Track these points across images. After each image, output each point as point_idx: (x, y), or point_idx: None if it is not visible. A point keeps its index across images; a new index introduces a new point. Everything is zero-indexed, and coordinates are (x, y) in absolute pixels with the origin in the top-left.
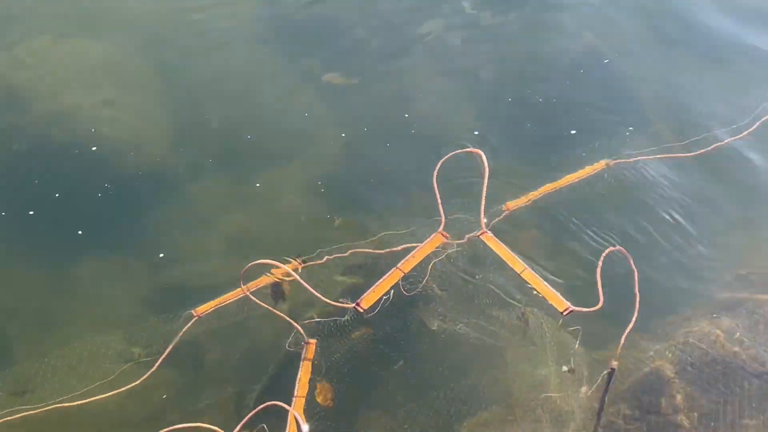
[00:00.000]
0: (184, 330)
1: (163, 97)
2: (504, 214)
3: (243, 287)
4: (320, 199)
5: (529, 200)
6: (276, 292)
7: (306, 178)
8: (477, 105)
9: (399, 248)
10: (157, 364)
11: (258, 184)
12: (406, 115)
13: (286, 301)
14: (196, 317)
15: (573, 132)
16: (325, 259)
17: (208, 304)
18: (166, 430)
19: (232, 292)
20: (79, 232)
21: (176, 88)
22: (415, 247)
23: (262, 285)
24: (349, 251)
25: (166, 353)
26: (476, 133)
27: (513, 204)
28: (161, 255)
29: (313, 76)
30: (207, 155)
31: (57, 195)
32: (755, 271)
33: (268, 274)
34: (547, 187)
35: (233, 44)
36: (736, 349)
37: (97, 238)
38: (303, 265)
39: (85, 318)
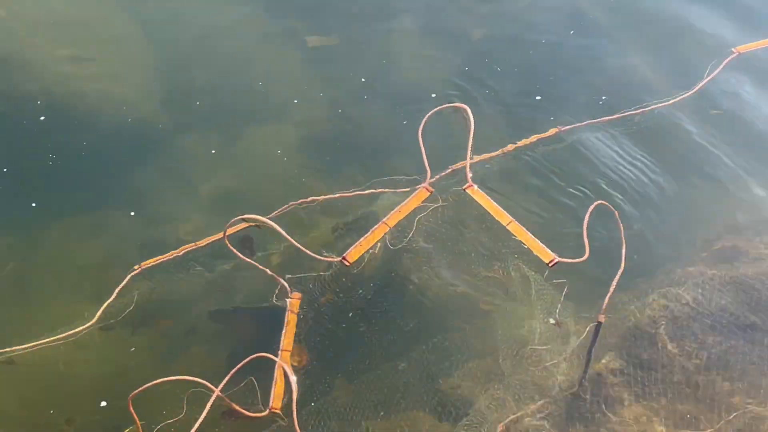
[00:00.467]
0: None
1: (145, 56)
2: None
3: (227, 242)
4: (305, 158)
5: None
6: (246, 242)
7: (290, 137)
8: (458, 65)
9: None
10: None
11: (241, 143)
12: (390, 76)
13: (254, 254)
14: (138, 270)
15: (538, 98)
16: (310, 199)
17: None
18: (154, 382)
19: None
20: (57, 190)
21: (158, 47)
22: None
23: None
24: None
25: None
26: (456, 91)
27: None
28: (133, 213)
29: (296, 36)
30: (189, 114)
31: (32, 153)
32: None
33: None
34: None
35: (216, 3)
36: (722, 301)
37: (75, 196)
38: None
39: (62, 275)
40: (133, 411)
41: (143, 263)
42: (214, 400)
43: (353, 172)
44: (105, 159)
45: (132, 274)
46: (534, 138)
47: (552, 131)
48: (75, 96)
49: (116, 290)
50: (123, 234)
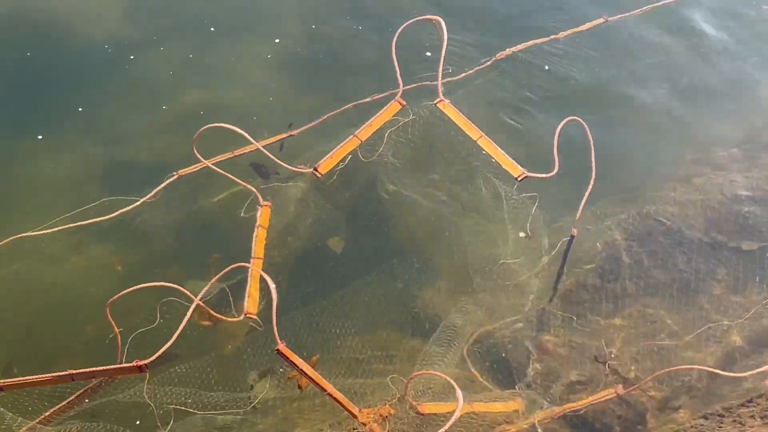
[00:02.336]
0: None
1: None
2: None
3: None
4: (281, 73)
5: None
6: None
7: (264, 52)
8: None
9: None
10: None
11: (215, 58)
12: None
13: (270, 177)
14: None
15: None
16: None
17: None
18: (132, 288)
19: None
20: (20, 110)
21: None
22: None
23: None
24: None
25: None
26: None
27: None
28: (109, 133)
29: None
30: (160, 26)
31: None
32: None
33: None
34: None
35: None
36: (691, 220)
37: (41, 115)
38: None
39: (34, 198)
40: (111, 318)
41: (179, 171)
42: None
43: (327, 89)
44: (70, 76)
45: (169, 180)
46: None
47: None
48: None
49: (154, 191)
50: (92, 153)
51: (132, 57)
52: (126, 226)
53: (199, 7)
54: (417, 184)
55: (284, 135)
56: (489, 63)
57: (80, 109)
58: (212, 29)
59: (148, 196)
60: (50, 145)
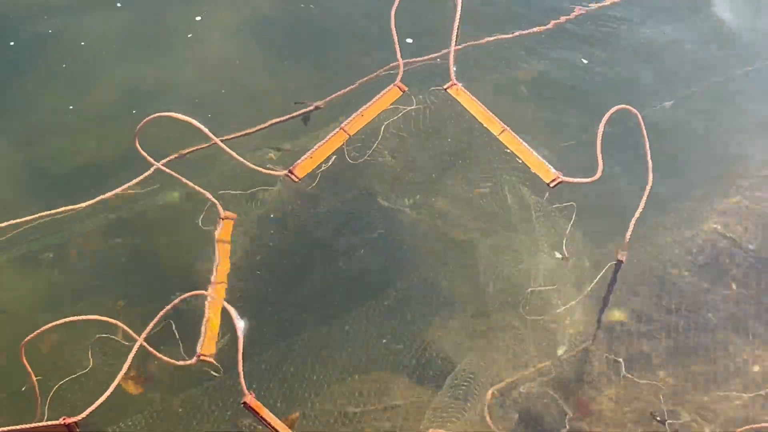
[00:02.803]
0: None
1: None
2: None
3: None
4: (254, 46)
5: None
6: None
7: (237, 19)
8: None
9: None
10: None
11: (161, 28)
12: None
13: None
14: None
15: None
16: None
17: None
18: (56, 323)
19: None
20: None
21: None
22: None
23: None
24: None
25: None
26: None
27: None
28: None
29: None
30: None
31: None
32: None
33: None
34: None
35: None
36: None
37: None
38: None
39: None
40: (26, 362)
41: (182, 150)
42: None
43: (311, 70)
44: None
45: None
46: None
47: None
48: None
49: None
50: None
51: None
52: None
53: None
54: (422, 192)
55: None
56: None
57: None
58: None
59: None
60: None
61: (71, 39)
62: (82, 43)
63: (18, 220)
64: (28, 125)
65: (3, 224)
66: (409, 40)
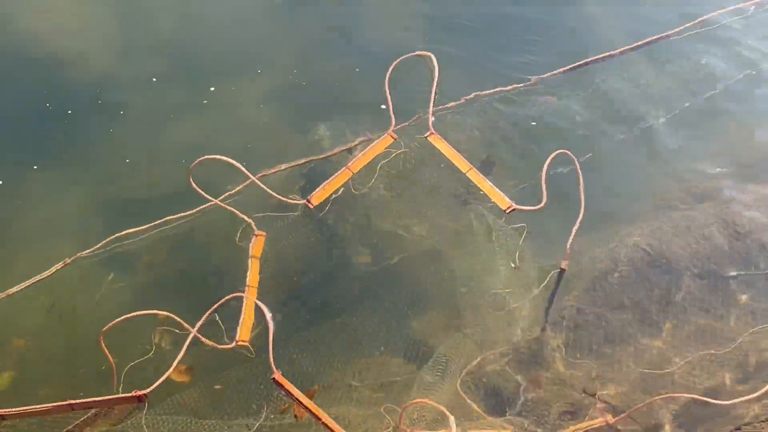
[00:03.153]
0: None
1: (108, 5)
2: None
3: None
4: (275, 111)
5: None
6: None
7: (260, 90)
8: (423, 23)
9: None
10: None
11: (207, 100)
12: (356, 30)
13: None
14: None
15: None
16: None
17: None
18: (126, 316)
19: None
20: (23, 147)
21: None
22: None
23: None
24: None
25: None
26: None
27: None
28: (115, 168)
29: None
30: (156, 67)
31: None
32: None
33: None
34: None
35: None
36: (680, 250)
37: (40, 153)
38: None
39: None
40: (105, 347)
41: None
42: (183, 337)
43: (322, 124)
44: (72, 115)
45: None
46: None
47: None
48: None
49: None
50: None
51: (125, 97)
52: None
53: (194, 49)
54: (408, 216)
55: (299, 202)
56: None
57: (73, 147)
58: (205, 69)
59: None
60: (48, 181)
61: (146, 103)
62: (153, 107)
63: (116, 236)
64: (107, 170)
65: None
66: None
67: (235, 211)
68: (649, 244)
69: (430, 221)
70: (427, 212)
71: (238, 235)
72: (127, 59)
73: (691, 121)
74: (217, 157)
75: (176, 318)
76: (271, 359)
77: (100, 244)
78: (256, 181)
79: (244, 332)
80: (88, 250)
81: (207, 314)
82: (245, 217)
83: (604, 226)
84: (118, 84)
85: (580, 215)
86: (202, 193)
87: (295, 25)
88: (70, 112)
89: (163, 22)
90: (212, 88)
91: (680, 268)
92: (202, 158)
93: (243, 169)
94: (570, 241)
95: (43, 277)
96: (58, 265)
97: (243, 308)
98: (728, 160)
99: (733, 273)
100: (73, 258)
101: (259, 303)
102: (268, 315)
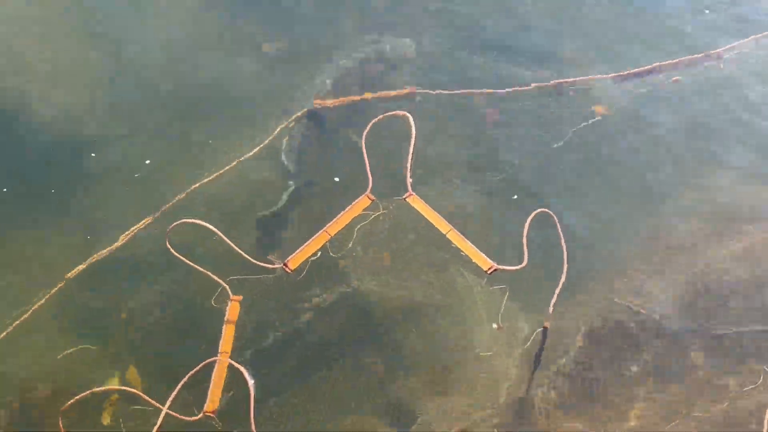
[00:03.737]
0: None
1: (97, 65)
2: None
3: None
4: (265, 169)
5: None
6: None
7: (248, 149)
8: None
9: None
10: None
11: (200, 154)
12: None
13: None
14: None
15: None
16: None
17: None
18: (90, 391)
19: None
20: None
21: (111, 56)
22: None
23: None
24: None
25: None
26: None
27: None
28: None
29: (252, 44)
30: (146, 125)
31: None
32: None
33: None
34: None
35: (168, 11)
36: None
37: (27, 211)
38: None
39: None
40: (62, 428)
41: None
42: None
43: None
44: (51, 171)
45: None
46: None
47: None
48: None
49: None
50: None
51: (112, 155)
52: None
53: (183, 108)
54: (388, 278)
55: (276, 265)
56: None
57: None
58: (197, 127)
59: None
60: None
61: (134, 165)
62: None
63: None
64: (96, 221)
65: None
66: (336, 179)
67: (211, 274)
68: (636, 301)
69: (411, 283)
70: (406, 274)
71: (214, 298)
72: (111, 120)
73: None
74: (193, 220)
75: (143, 395)
76: (252, 426)
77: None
78: (235, 247)
79: (212, 401)
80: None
81: (177, 389)
82: (221, 281)
83: (590, 281)
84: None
85: (563, 276)
86: (179, 255)
87: (277, 85)
88: (46, 173)
89: (148, 82)
90: (200, 153)
91: (668, 327)
92: (179, 221)
93: (220, 234)
94: (553, 301)
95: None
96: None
97: (213, 375)
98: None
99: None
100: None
101: (238, 365)
102: (250, 382)
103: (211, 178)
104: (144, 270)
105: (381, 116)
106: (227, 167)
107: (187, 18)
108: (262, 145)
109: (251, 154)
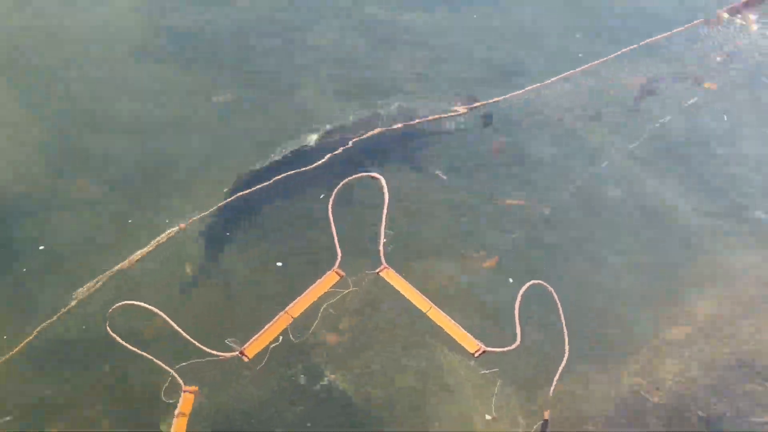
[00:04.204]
0: None
1: (36, 120)
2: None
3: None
4: (209, 242)
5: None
6: None
7: (190, 213)
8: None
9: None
10: None
11: (151, 214)
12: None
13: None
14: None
15: None
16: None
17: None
18: None
19: None
20: None
21: (49, 109)
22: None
23: None
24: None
25: None
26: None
27: None
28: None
29: (202, 94)
30: (89, 184)
31: None
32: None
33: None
34: None
35: (109, 57)
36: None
37: None
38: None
39: None
40: None
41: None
42: None
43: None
44: None
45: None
46: None
47: None
48: None
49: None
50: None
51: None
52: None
53: (129, 163)
54: (362, 366)
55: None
56: None
57: None
58: (145, 184)
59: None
60: None
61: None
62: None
63: None
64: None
65: None
66: (279, 264)
67: (160, 363)
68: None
69: (390, 368)
70: (385, 360)
71: (163, 389)
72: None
73: None
74: (137, 303)
75: None
76: None
77: None
78: (184, 334)
79: None
80: None
81: None
82: (170, 370)
83: (595, 363)
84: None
85: (564, 360)
86: (122, 342)
87: (232, 136)
88: None
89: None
90: (151, 213)
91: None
92: (121, 304)
93: (168, 318)
94: (553, 387)
95: None
96: None
97: None
98: None
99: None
100: None
101: None
102: None
103: (149, 249)
104: (78, 356)
105: (349, 179)
106: (162, 241)
107: None
108: (200, 216)
109: (190, 225)
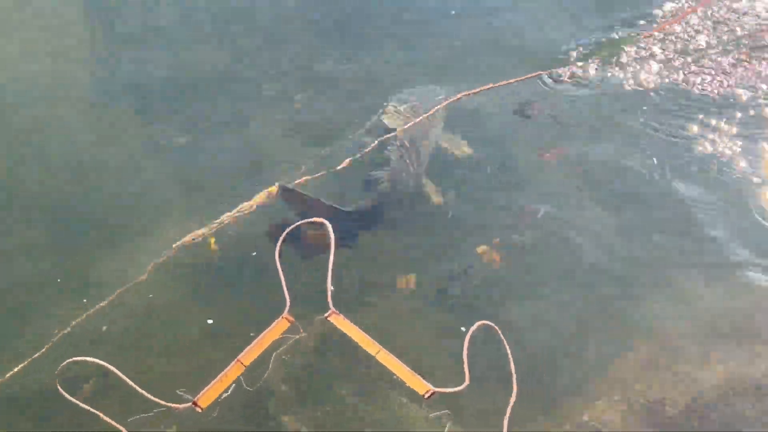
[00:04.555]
0: None
1: None
2: None
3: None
4: (169, 290)
5: None
6: None
7: (149, 263)
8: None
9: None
10: None
11: (92, 272)
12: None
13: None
14: None
15: None
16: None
17: None
18: None
19: None
20: None
21: None
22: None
23: None
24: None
25: None
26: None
27: None
28: None
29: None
30: (27, 236)
31: None
32: None
33: None
34: None
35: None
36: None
37: None
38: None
39: None
40: None
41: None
42: None
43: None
44: None
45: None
46: None
47: None
48: None
49: None
50: None
51: None
52: None
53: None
54: (316, 410)
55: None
56: None
57: None
58: (89, 239)
59: None
60: None
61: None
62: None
63: None
64: None
65: None
66: (210, 321)
67: (110, 420)
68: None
69: (342, 414)
70: (336, 404)
71: None
72: None
73: None
74: (86, 359)
75: None
76: None
77: None
78: (131, 383)
79: None
80: None
81: None
82: (120, 427)
83: (548, 400)
84: None
85: (512, 399)
86: (72, 398)
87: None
88: None
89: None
90: (92, 271)
91: None
92: (69, 360)
93: (119, 373)
94: (505, 429)
95: None
96: None
97: None
98: None
99: None
100: None
101: None
102: None
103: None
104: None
105: (295, 224)
106: (119, 291)
107: None
108: (158, 261)
109: (145, 276)
